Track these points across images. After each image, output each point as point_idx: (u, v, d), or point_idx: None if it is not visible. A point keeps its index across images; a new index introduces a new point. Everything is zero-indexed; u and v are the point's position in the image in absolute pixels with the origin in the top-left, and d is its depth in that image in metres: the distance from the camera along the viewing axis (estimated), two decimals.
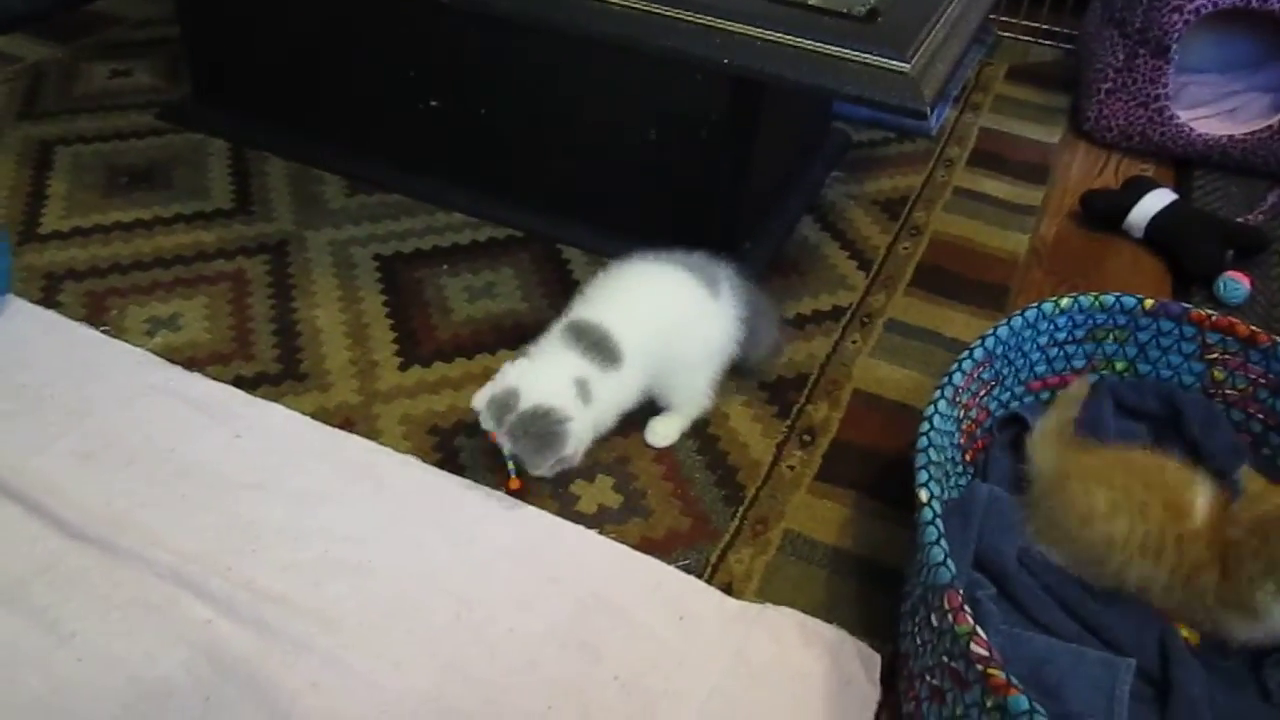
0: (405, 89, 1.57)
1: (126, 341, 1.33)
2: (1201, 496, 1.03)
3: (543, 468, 1.13)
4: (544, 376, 1.14)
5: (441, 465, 1.21)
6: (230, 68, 1.73)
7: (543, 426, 1.10)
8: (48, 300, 1.38)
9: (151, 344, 1.34)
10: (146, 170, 1.66)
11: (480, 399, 1.13)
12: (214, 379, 1.29)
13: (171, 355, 1.32)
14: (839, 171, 1.78)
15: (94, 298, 1.40)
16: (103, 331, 1.34)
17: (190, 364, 1.31)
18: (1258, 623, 0.99)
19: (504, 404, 1.12)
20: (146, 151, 1.70)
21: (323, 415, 1.26)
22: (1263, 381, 1.18)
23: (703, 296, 1.23)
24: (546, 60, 1.46)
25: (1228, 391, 1.21)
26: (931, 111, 1.19)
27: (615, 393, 1.18)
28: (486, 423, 1.13)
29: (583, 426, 1.14)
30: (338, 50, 1.60)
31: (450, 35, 1.50)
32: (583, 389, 1.14)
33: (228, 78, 1.74)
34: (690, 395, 1.26)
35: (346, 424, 1.25)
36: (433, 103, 1.56)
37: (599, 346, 1.16)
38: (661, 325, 1.20)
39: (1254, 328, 1.17)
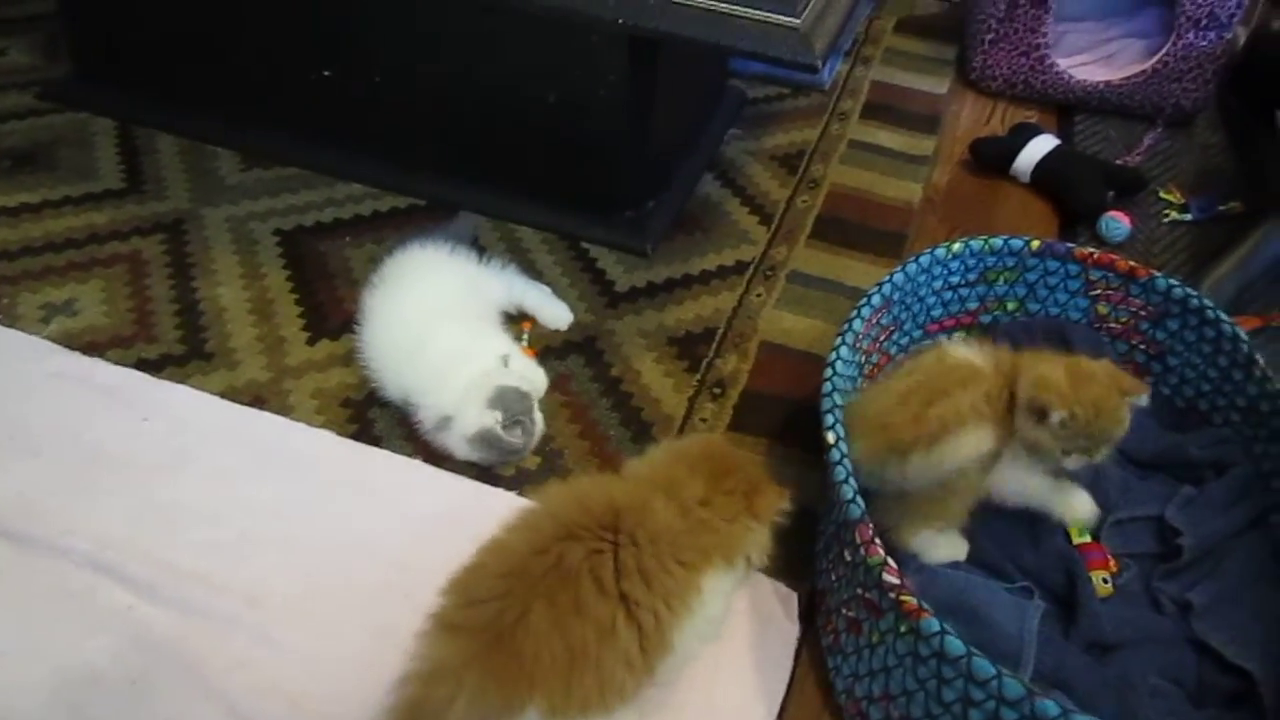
0: (296, 59, 1.54)
1: (21, 330, 1.30)
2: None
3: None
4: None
5: (356, 437, 1.21)
6: (112, 43, 1.67)
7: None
8: None
9: (48, 331, 1.30)
10: (30, 152, 1.60)
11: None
12: (117, 363, 1.27)
13: (70, 341, 1.29)
14: (736, 128, 1.81)
15: None
16: None
17: (90, 349, 1.28)
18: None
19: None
20: (29, 133, 1.64)
21: (232, 394, 1.25)
22: (1143, 313, 1.24)
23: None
24: (440, 25, 1.44)
25: (1111, 324, 1.27)
26: (823, 65, 1.22)
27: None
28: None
29: None
30: (224, 21, 1.56)
31: (339, 2, 1.47)
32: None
33: (110, 53, 1.68)
34: (514, 291, 1.36)
35: (257, 401, 1.24)
36: (325, 73, 1.53)
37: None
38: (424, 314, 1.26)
39: (1133, 263, 1.23)
